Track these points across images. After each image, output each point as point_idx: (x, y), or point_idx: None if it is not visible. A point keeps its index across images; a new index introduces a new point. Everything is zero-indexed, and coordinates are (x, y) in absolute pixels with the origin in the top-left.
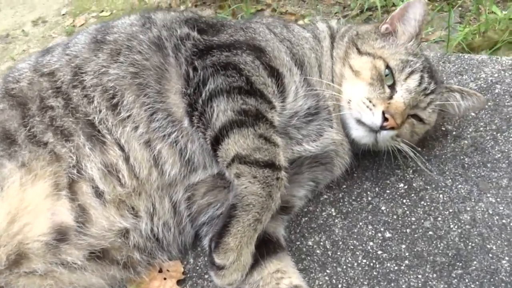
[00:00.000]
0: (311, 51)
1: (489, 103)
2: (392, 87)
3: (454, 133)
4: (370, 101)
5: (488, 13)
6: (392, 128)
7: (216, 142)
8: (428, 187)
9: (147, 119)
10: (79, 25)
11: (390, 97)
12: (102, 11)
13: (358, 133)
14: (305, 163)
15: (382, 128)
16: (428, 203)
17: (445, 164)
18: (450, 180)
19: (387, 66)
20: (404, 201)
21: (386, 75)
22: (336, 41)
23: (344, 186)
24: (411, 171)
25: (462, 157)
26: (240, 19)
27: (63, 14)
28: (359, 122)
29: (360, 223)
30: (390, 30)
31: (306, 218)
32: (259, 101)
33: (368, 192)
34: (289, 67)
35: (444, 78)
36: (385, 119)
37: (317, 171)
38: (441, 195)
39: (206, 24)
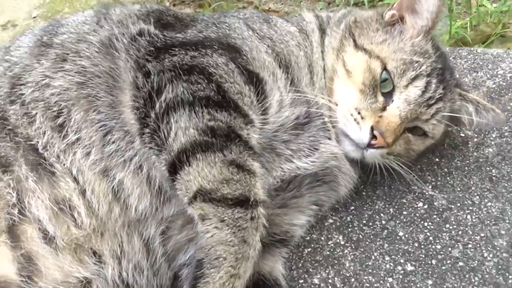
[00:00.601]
0: (298, 49)
1: None
2: (390, 94)
3: (475, 139)
4: (358, 113)
5: (478, 6)
6: (382, 147)
7: (174, 169)
8: (453, 206)
9: (100, 142)
10: None
11: (384, 108)
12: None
13: (344, 146)
14: (304, 183)
15: (370, 146)
16: (455, 226)
17: (470, 178)
18: (477, 197)
19: (385, 68)
20: (426, 224)
21: (384, 80)
22: (330, 26)
23: (352, 208)
24: (430, 186)
25: (488, 168)
26: (215, 14)
27: (34, 17)
28: (345, 134)
29: (375, 254)
30: (396, 18)
31: (309, 249)
32: (232, 115)
33: (382, 214)
34: (271, 70)
35: (457, 75)
36: (374, 137)
37: (320, 192)
38: (468, 216)
39: (173, 17)
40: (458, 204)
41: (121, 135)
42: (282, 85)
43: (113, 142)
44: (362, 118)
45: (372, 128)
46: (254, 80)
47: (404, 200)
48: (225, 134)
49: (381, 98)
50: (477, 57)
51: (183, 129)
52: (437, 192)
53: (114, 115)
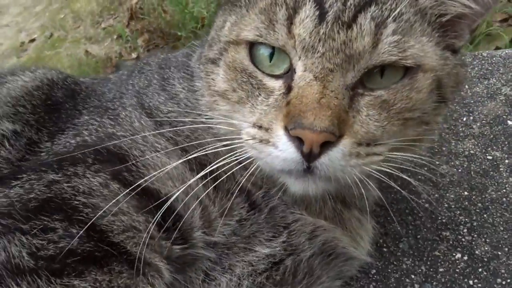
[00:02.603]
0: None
1: None
2: (288, 69)
3: (507, 161)
4: (259, 127)
5: None
6: (328, 146)
7: None
8: (499, 252)
9: None
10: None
11: (288, 91)
12: None
13: (289, 186)
14: (314, 265)
15: (309, 157)
16: (508, 280)
17: (511, 211)
18: None
19: (251, 46)
20: (471, 282)
21: (271, 56)
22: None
23: (374, 272)
24: (465, 230)
25: None
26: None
27: None
28: (273, 170)
29: None
30: None
31: None
32: (119, 275)
33: (412, 276)
34: (178, 176)
35: (466, 86)
36: (298, 139)
37: (338, 264)
38: None
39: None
40: (506, 249)
41: None
42: (203, 195)
43: None
44: (267, 129)
45: (286, 129)
46: (158, 204)
47: (437, 253)
48: None
49: (274, 83)
50: (484, 61)
51: None
52: (475, 236)
53: None
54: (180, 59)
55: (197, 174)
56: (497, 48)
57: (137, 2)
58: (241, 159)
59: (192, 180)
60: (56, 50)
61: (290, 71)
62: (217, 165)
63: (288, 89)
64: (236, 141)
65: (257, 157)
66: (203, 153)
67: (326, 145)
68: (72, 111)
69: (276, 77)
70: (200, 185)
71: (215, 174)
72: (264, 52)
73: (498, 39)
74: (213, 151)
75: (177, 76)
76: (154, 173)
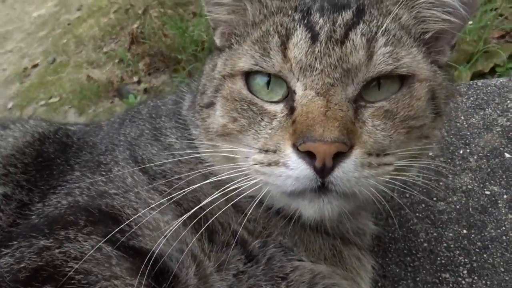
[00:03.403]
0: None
1: None
2: (287, 92)
3: (505, 196)
4: (266, 151)
5: None
6: (341, 157)
7: None
8: None
9: None
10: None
11: (291, 111)
12: (51, 97)
13: (302, 211)
14: None
15: (321, 172)
16: None
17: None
18: None
19: (246, 75)
20: None
21: (267, 84)
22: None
23: None
24: (465, 271)
25: None
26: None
27: (10, 108)
28: (284, 193)
29: None
30: (226, 32)
31: None
32: None
33: None
34: (177, 234)
35: (462, 117)
36: (309, 155)
37: None
38: None
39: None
40: None
41: None
42: (198, 251)
43: None
44: (275, 151)
45: (295, 147)
46: (147, 262)
47: None
48: None
49: (275, 107)
50: (479, 91)
51: None
52: (476, 278)
53: None
54: (170, 107)
55: (192, 227)
56: (496, 65)
57: (138, 27)
58: (243, 194)
59: (184, 232)
60: (58, 75)
61: (290, 94)
62: (211, 214)
63: (291, 110)
64: (240, 170)
65: (267, 181)
66: (199, 206)
67: (338, 157)
68: (64, 166)
69: (276, 102)
70: (194, 239)
71: (209, 225)
72: (259, 81)
73: (496, 56)
74: (209, 202)
75: (169, 126)
76: (147, 233)
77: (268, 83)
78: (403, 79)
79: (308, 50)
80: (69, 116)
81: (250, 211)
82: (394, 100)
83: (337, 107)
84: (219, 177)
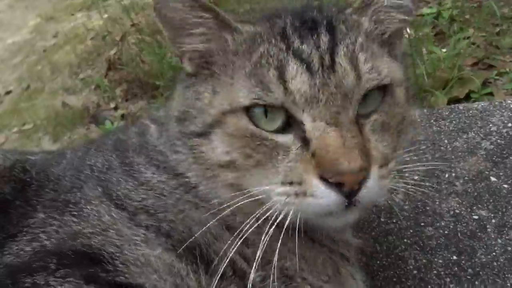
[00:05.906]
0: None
1: None
2: (289, 123)
3: (493, 220)
4: (290, 183)
5: (429, 53)
6: (363, 175)
7: None
8: None
9: None
10: None
11: (306, 143)
12: (24, 124)
13: (335, 224)
14: None
15: (349, 198)
16: None
17: (504, 277)
18: None
19: (247, 110)
20: None
21: (265, 113)
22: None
23: None
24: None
25: None
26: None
27: None
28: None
29: None
30: (196, 59)
31: None
32: None
33: None
34: (170, 268)
35: (446, 141)
36: (335, 185)
37: None
38: None
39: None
40: None
41: None
42: (194, 284)
43: None
44: (300, 183)
45: (322, 178)
46: None
47: None
48: None
49: (284, 139)
50: (461, 115)
51: None
52: None
53: None
54: (136, 141)
55: (186, 259)
56: (470, 92)
57: (115, 53)
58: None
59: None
60: (32, 102)
61: (294, 124)
62: (206, 244)
63: (303, 141)
64: (251, 196)
65: (295, 210)
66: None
67: (360, 183)
68: (24, 208)
69: (281, 132)
70: (191, 273)
71: (204, 255)
72: (258, 112)
73: (470, 83)
74: (204, 231)
75: (140, 162)
76: (136, 270)
77: (264, 113)
78: (384, 88)
79: (309, 82)
80: (43, 143)
81: (246, 228)
82: (382, 111)
83: (350, 134)
84: (224, 206)
